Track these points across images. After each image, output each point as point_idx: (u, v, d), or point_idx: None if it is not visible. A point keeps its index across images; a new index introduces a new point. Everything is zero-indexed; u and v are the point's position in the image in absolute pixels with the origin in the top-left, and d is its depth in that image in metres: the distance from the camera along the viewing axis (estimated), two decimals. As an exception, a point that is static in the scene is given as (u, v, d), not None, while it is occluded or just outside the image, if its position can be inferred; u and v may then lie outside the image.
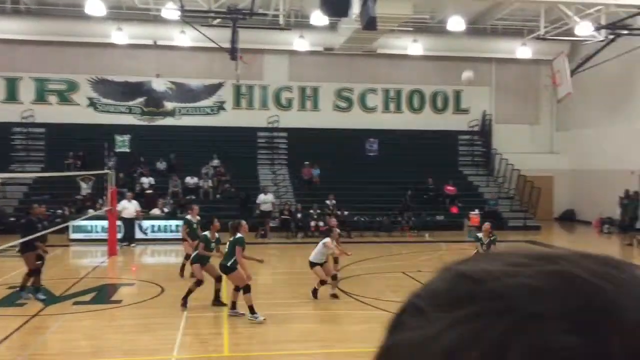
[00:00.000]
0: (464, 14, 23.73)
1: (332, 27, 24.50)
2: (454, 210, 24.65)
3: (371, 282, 13.67)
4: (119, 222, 18.34)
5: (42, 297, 11.08)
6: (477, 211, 23.31)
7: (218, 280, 10.73)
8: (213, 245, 11.05)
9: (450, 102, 30.03)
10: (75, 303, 11.10)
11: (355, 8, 18.78)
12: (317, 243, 11.78)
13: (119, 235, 18.42)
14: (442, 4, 23.57)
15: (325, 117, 28.56)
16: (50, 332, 9.27)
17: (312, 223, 22.18)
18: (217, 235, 11.26)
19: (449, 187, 25.52)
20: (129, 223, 19.21)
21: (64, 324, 9.84)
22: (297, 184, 26.00)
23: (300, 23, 25.00)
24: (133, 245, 18.85)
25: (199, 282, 10.65)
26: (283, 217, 22.88)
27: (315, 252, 11.49)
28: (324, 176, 25.71)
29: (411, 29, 24.77)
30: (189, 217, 14.22)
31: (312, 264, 11.45)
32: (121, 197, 19.24)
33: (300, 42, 25.68)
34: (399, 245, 20.28)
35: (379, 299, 11.59)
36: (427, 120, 29.21)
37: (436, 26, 26.31)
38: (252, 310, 9.68)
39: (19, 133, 26.41)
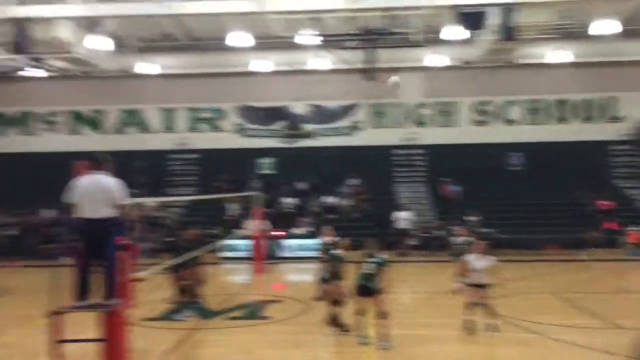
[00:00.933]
0: (616, 16, 22.09)
1: (470, 40, 23.99)
2: (614, 226, 22.64)
3: (517, 303, 13.05)
4: (266, 241, 19.20)
5: (187, 314, 11.85)
6: (636, 227, 21.41)
7: (336, 303, 10.27)
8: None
9: (601, 110, 28.04)
10: (230, 318, 11.78)
11: (494, 19, 18.32)
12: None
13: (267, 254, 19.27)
14: (590, 7, 22.12)
15: (465, 133, 27.95)
16: (210, 346, 9.92)
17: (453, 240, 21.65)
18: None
19: (603, 202, 23.67)
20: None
21: (221, 338, 10.48)
22: (436, 201, 25.60)
23: (436, 39, 24.77)
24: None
25: (335, 302, 10.38)
26: (422, 235, 22.62)
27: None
28: (464, 193, 25.11)
29: (555, 36, 23.53)
30: (324, 239, 13.99)
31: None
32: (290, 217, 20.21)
33: (435, 58, 25.47)
34: (549, 264, 19.18)
35: (526, 320, 11.04)
36: (574, 131, 27.50)
37: (582, 31, 24.74)
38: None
39: (174, 159, 28.71)
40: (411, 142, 28.39)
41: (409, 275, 18.56)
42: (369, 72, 21.44)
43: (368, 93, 26.49)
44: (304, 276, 19.26)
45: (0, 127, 29.57)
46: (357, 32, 20.84)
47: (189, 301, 12.52)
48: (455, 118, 28.76)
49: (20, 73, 22.40)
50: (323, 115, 29.03)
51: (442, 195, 25.67)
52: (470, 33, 22.26)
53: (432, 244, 22.02)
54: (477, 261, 10.44)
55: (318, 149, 28.26)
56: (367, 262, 9.59)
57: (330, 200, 25.36)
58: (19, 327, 11.10)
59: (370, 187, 25.80)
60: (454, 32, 22.41)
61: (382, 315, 9.38)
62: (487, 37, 21.95)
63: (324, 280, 10.70)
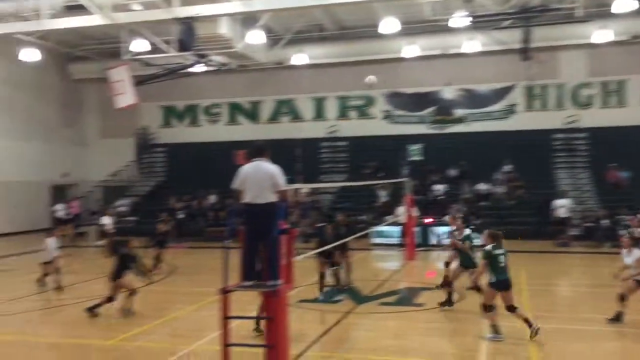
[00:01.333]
0: None
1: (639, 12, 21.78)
2: None
3: None
4: (416, 228, 19.07)
5: (339, 298, 12.17)
6: None
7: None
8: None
9: None
10: (382, 304, 11.89)
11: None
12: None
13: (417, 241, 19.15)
14: None
15: (635, 114, 25.50)
16: (362, 330, 10.08)
17: (623, 231, 19.93)
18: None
19: None
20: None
21: (373, 323, 10.62)
22: (601, 189, 23.69)
23: (600, 13, 22.80)
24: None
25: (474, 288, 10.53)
26: (585, 224, 21.09)
27: None
28: (634, 179, 22.98)
29: None
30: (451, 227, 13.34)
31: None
32: (420, 204, 20.08)
33: (601, 33, 23.44)
34: None
35: None
36: None
37: None
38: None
39: (325, 147, 29.45)
40: (573, 126, 26.50)
41: (572, 267, 17.44)
42: (525, 53, 20.31)
43: (524, 74, 25.10)
44: (454, 264, 18.87)
45: (171, 120, 32.32)
46: (512, 10, 19.79)
47: (342, 285, 12.81)
48: (623, 98, 26.35)
49: (188, 69, 24.21)
50: (475, 99, 28.06)
51: (608, 182, 23.70)
52: (641, 3, 20.22)
53: (597, 234, 20.43)
54: None
55: (470, 135, 27.43)
56: (500, 253, 9.06)
57: (482, 187, 24.53)
58: (187, 303, 12.09)
59: (527, 174, 24.53)
60: (623, 3, 20.47)
61: (514, 308, 9.05)
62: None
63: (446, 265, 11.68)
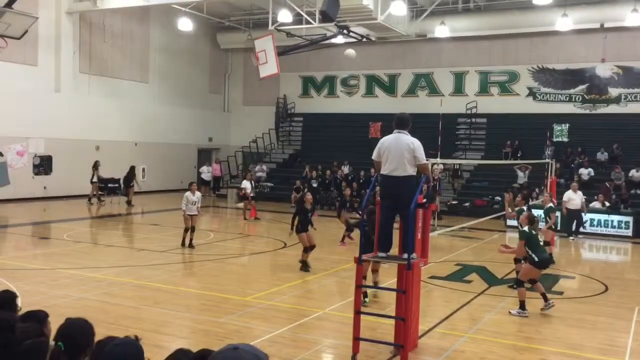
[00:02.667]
0: None
1: None
2: None
3: None
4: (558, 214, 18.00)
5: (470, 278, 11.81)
6: None
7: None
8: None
9: None
10: (511, 287, 11.43)
11: None
12: None
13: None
14: None
15: None
16: (494, 312, 9.77)
17: None
18: None
19: None
20: (574, 215, 18.43)
21: (506, 307, 10.24)
22: None
23: None
24: (572, 238, 18.25)
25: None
26: None
27: None
28: None
29: None
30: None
31: None
32: (566, 187, 18.92)
33: None
34: None
35: None
36: None
37: None
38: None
39: (463, 123, 28.58)
40: None
41: None
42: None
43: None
44: (599, 254, 17.66)
45: (309, 90, 33.03)
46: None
47: (475, 265, 12.49)
48: None
49: (328, 41, 24.49)
50: (634, 78, 25.65)
51: None
52: None
53: None
54: None
55: (624, 116, 25.26)
56: (537, 233, 9.79)
57: (636, 173, 22.55)
58: (320, 269, 12.43)
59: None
60: None
61: (534, 280, 9.61)
62: None
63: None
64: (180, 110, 30.70)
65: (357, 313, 6.91)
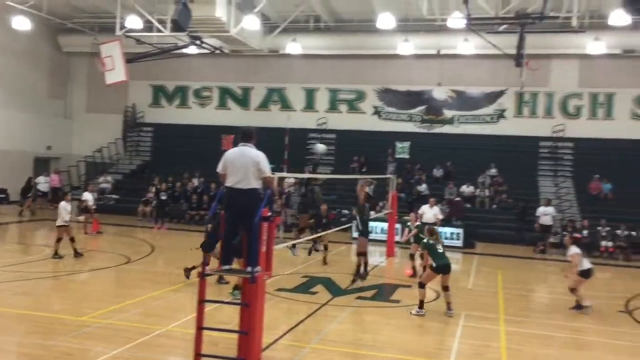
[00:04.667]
0: None
1: (635, 26, 22.00)
2: None
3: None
4: (397, 225, 19.11)
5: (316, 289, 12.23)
6: None
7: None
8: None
9: None
10: (358, 298, 11.94)
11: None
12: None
13: (397, 238, 19.20)
14: None
15: (621, 127, 25.78)
16: (337, 322, 10.11)
17: (603, 243, 20.27)
18: None
19: None
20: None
21: (348, 316, 10.66)
22: (583, 199, 23.94)
23: (595, 24, 22.99)
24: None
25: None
26: (565, 233, 21.26)
27: None
28: (616, 191, 23.30)
29: None
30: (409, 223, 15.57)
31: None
32: (407, 202, 20.11)
33: (595, 45, 23.60)
34: None
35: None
36: None
37: None
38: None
39: (313, 138, 29.34)
40: (559, 135, 26.71)
41: (548, 274, 17.61)
42: (518, 58, 20.35)
43: (516, 80, 25.19)
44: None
45: (160, 99, 32.03)
46: (509, 15, 19.83)
47: (320, 277, 12.83)
48: (610, 111, 26.59)
49: (180, 50, 23.99)
50: (465, 101, 28.13)
51: (590, 193, 23.96)
52: (635, 18, 20.37)
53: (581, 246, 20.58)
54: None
55: (457, 136, 27.55)
56: (435, 243, 10.96)
57: (466, 189, 24.67)
58: (165, 284, 12.03)
59: (513, 179, 24.73)
60: (618, 16, 20.60)
61: (448, 288, 10.79)
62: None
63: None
64: (14, 115, 28.18)
65: (200, 329, 6.78)
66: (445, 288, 10.80)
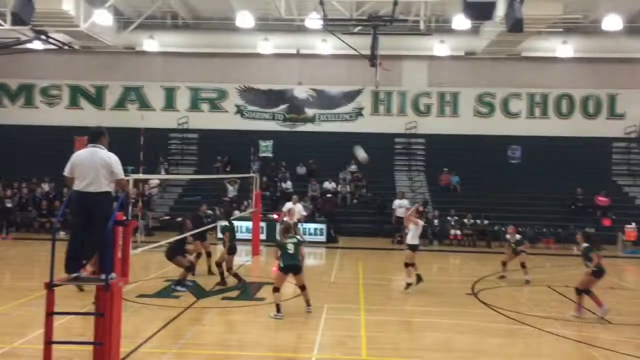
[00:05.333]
0: (622, 12, 22.01)
1: (475, 30, 23.92)
2: (607, 222, 22.92)
3: (513, 294, 13.12)
4: (262, 224, 19.21)
5: (180, 292, 12.06)
6: (633, 225, 21.48)
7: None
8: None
9: (604, 106, 28.02)
10: (223, 298, 11.83)
11: (500, 10, 18.18)
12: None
13: (262, 236, 19.29)
14: (596, 2, 22.05)
15: (465, 123, 27.95)
16: (202, 324, 9.94)
17: (452, 232, 21.82)
18: None
19: (601, 198, 23.83)
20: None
21: (214, 317, 10.53)
22: (435, 191, 25.62)
23: (440, 28, 24.69)
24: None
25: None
26: (419, 224, 22.66)
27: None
28: (463, 183, 25.19)
29: (560, 29, 23.46)
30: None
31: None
32: (271, 200, 20.17)
33: (440, 47, 25.35)
34: (543, 257, 19.26)
35: (521, 312, 11.11)
36: (576, 127, 27.58)
37: (589, 26, 24.70)
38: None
39: (175, 138, 28.64)
40: (412, 131, 28.34)
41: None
42: (373, 59, 21.28)
43: (371, 80, 26.32)
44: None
45: (1, 99, 29.44)
46: (363, 17, 20.68)
47: (182, 279, 12.53)
48: (456, 108, 28.69)
49: (23, 45, 22.21)
50: (325, 100, 28.92)
51: (441, 185, 25.69)
52: (475, 23, 22.15)
53: (428, 233, 22.01)
54: None
55: (319, 134, 28.25)
56: (289, 242, 10.69)
57: (328, 185, 25.36)
58: (12, 298, 11.12)
59: (371, 175, 25.80)
60: (460, 21, 22.28)
61: (304, 287, 10.77)
62: (492, 28, 21.83)
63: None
64: None
65: (48, 343, 6.33)
66: (302, 287, 10.78)
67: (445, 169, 25.63)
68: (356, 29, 21.21)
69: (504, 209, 22.90)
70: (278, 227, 15.44)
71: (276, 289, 10.53)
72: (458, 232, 21.94)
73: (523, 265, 14.55)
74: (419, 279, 13.03)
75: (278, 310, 10.34)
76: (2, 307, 10.48)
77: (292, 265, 10.62)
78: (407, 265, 13.09)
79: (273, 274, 14.81)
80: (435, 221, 22.24)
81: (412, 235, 13.12)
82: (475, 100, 28.53)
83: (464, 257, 19.52)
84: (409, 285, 12.87)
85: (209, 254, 14.54)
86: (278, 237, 11.50)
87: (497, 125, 27.91)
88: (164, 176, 23.24)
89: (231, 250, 12.91)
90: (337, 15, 21.71)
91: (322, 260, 18.99)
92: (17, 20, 17.96)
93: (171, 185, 26.26)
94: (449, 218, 22.34)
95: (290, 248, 10.63)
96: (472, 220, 22.12)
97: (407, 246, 13.29)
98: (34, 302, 10.74)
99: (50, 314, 6.43)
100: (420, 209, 16.98)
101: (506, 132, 27.37)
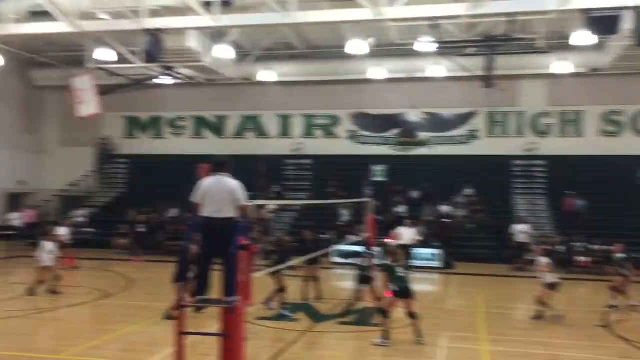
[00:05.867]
0: None
1: (598, 46, 22.64)
2: None
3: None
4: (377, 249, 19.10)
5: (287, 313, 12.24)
6: None
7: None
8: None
9: None
10: (340, 323, 11.88)
11: (627, 24, 17.17)
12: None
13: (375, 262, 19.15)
14: None
15: (590, 143, 26.35)
16: (320, 349, 10.04)
17: (581, 258, 20.55)
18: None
19: None
20: (405, 249, 19.63)
21: (331, 342, 10.60)
22: (558, 216, 24.27)
23: (560, 45, 23.60)
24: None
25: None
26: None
27: None
28: (589, 207, 23.68)
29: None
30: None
31: None
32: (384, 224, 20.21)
33: (561, 65, 24.23)
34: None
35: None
36: None
37: None
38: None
39: (290, 164, 29.46)
40: (531, 153, 27.18)
41: (527, 291, 17.68)
42: (488, 80, 20.81)
43: (486, 101, 25.72)
44: (417, 286, 19.01)
45: (134, 131, 31.89)
46: (477, 38, 20.31)
47: (301, 303, 12.75)
48: (580, 128, 27.19)
49: (153, 81, 24.00)
50: (438, 123, 28.54)
51: (564, 210, 24.31)
52: (599, 38, 20.98)
53: (553, 260, 20.80)
54: None
55: (432, 157, 27.84)
56: (398, 267, 10.34)
57: (444, 209, 24.85)
58: (144, 317, 11.86)
59: (487, 198, 24.99)
60: (582, 37, 21.20)
61: (414, 315, 10.17)
62: (618, 42, 20.58)
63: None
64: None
65: (179, 361, 6.69)
66: (411, 315, 10.13)
67: (570, 192, 24.24)
68: (470, 51, 20.84)
69: (634, 234, 21.18)
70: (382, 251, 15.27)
71: (385, 313, 10.13)
72: (583, 259, 20.59)
73: (613, 289, 13.67)
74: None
75: (386, 337, 9.92)
76: (136, 326, 11.21)
77: (403, 289, 10.14)
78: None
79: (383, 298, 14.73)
80: (561, 247, 21.01)
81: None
82: (600, 119, 26.89)
83: (591, 286, 18.26)
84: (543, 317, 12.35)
85: (316, 279, 14.49)
86: (382, 261, 11.28)
87: (627, 145, 26.08)
88: (279, 202, 23.91)
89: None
90: (450, 37, 21.49)
91: (438, 286, 18.56)
92: (149, 57, 19.53)
93: (286, 210, 26.93)
94: (574, 244, 21.04)
95: (399, 271, 10.25)
96: (602, 247, 20.65)
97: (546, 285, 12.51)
98: (164, 322, 11.40)
99: (181, 334, 6.80)
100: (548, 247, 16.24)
101: (637, 152, 25.49)
